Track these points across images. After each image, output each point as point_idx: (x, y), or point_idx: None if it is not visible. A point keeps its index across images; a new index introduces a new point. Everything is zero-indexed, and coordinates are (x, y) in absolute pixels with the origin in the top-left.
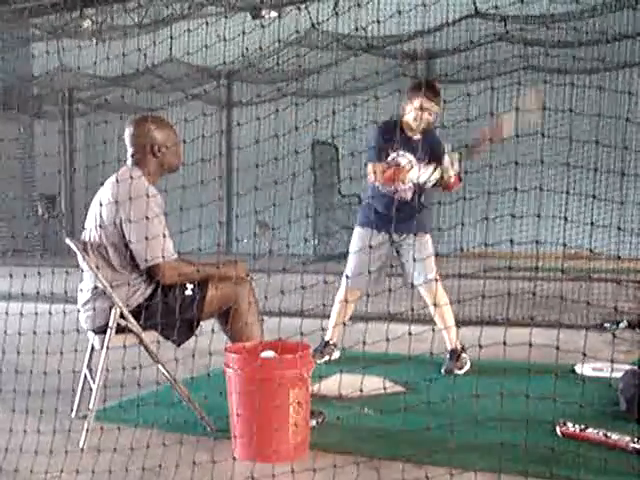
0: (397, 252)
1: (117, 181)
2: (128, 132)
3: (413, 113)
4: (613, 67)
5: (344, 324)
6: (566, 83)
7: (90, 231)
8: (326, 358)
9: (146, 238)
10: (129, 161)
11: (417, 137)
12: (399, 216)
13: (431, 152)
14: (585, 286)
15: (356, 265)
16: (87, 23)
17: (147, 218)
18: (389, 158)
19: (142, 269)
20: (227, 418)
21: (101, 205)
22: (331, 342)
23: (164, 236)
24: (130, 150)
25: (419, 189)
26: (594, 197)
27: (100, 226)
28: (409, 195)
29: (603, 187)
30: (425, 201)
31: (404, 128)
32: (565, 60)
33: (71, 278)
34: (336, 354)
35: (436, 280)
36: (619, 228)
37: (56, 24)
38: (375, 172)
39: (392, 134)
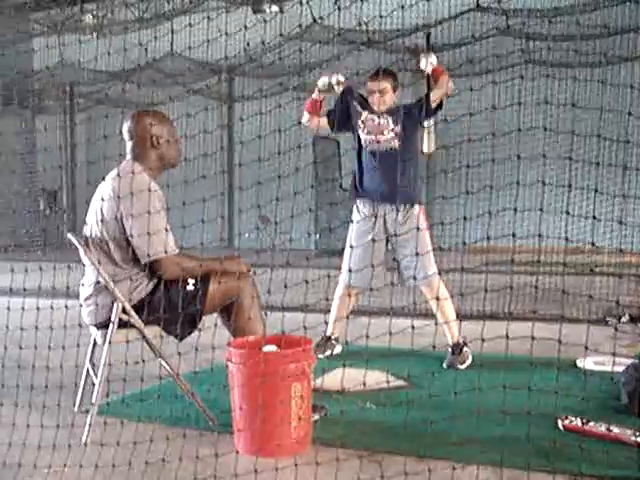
0: (393, 249)
1: (118, 176)
2: (127, 126)
3: (370, 98)
4: (615, 61)
5: (347, 318)
6: (568, 77)
7: (91, 226)
8: (328, 353)
9: (148, 233)
10: (129, 156)
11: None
12: (385, 187)
13: (401, 113)
14: (587, 280)
15: (355, 262)
16: (88, 18)
17: (149, 213)
18: (362, 117)
19: (144, 264)
20: (230, 412)
21: (102, 200)
22: (332, 337)
23: (166, 230)
24: (129, 144)
25: (405, 140)
26: (596, 191)
27: (101, 221)
28: (396, 143)
29: (605, 181)
30: (413, 171)
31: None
32: (567, 54)
33: (73, 273)
34: (338, 349)
35: (438, 274)
36: (621, 222)
37: (57, 19)
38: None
39: (357, 96)
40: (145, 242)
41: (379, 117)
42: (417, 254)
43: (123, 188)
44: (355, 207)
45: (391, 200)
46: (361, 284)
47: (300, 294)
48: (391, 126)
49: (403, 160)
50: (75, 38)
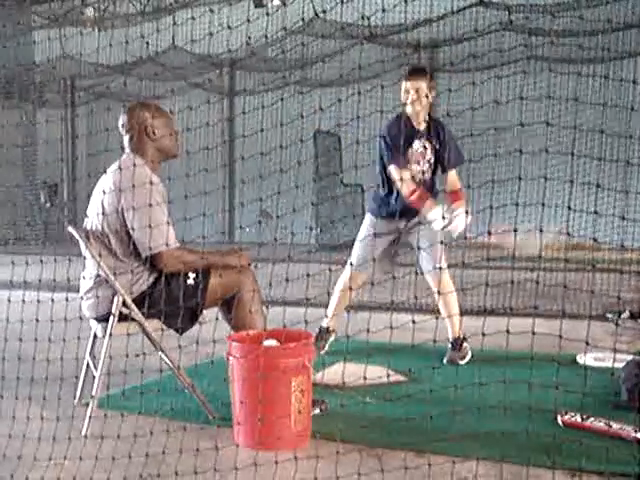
0: (406, 239)
1: (120, 169)
2: (122, 120)
3: (403, 97)
4: (618, 56)
5: (347, 311)
6: (571, 72)
7: (92, 219)
8: (327, 348)
9: (149, 226)
10: (128, 149)
11: (423, 127)
12: (410, 207)
13: (439, 140)
14: (588, 276)
15: (363, 251)
16: (89, 11)
17: (150, 206)
18: (409, 152)
19: (144, 257)
20: (230, 406)
21: (103, 193)
22: (330, 329)
23: (167, 224)
24: (126, 137)
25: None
26: (598, 186)
27: (102, 214)
28: (429, 173)
29: (607, 176)
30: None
31: (410, 120)
32: (570, 49)
33: (73, 266)
34: (331, 338)
35: (446, 268)
36: (623, 218)
37: (58, 12)
38: (402, 181)
39: (399, 128)
40: (146, 235)
41: (421, 141)
42: (419, 248)
43: (124, 181)
44: (370, 219)
45: (413, 215)
46: (367, 270)
47: (301, 288)
48: (428, 156)
49: (432, 181)
50: (76, 31)
